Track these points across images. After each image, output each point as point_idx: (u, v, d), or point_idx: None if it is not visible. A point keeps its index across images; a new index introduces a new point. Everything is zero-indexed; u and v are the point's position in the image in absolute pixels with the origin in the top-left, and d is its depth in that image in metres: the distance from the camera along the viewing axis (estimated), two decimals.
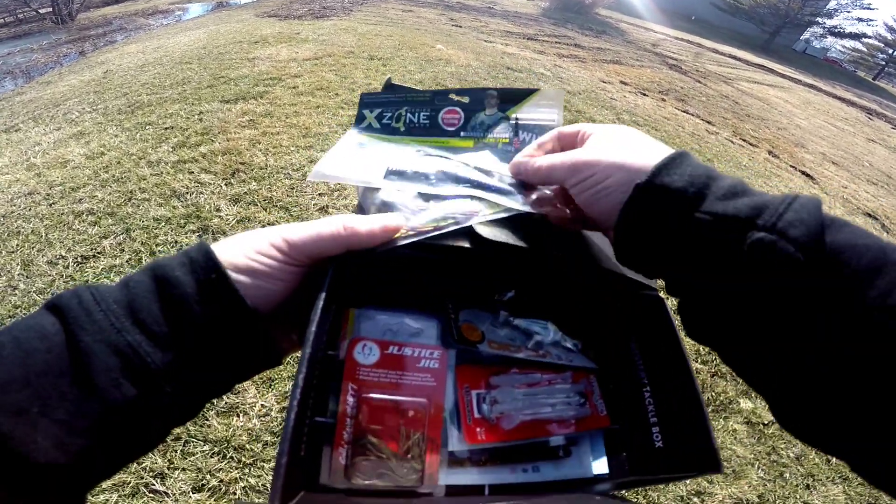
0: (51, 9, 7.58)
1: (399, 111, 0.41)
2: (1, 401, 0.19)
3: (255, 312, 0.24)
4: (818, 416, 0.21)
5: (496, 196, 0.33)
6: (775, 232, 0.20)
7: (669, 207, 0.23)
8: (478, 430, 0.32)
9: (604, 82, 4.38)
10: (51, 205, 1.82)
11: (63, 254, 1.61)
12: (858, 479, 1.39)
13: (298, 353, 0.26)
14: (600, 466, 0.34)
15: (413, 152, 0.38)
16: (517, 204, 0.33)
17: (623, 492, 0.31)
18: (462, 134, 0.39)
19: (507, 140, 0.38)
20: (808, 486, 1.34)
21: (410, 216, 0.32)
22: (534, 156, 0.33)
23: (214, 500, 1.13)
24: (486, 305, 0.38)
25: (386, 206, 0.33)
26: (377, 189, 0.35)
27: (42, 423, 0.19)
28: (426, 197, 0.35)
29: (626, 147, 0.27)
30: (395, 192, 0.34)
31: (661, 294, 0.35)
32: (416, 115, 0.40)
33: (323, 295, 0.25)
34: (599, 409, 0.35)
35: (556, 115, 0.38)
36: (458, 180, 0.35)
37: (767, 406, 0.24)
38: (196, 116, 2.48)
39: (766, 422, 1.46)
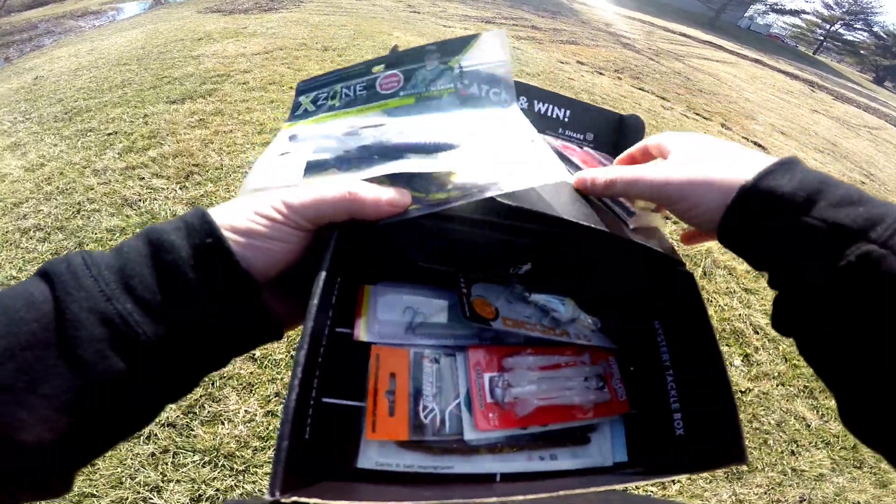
0: None
1: (334, 88, 0.37)
2: None
3: (249, 277, 0.23)
4: (890, 422, 0.21)
5: (425, 159, 0.30)
6: (887, 247, 0.20)
7: (775, 211, 0.23)
8: (490, 415, 0.30)
9: (561, 63, 4.41)
10: None
11: (15, 274, 1.49)
12: (841, 442, 1.42)
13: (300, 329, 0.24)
14: (620, 454, 0.32)
15: (344, 128, 0.34)
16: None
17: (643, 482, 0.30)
18: (402, 94, 0.36)
19: (453, 90, 0.34)
20: (792, 452, 1.37)
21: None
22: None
23: None
24: (501, 279, 0.35)
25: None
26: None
27: (28, 399, 0.18)
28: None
29: (720, 156, 0.26)
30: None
31: (690, 270, 0.33)
32: (352, 88, 0.37)
33: (325, 265, 0.24)
34: (619, 394, 0.33)
35: (503, 55, 0.35)
36: (386, 152, 0.31)
37: (836, 406, 0.24)
38: (141, 119, 2.33)
39: (742, 389, 1.49)
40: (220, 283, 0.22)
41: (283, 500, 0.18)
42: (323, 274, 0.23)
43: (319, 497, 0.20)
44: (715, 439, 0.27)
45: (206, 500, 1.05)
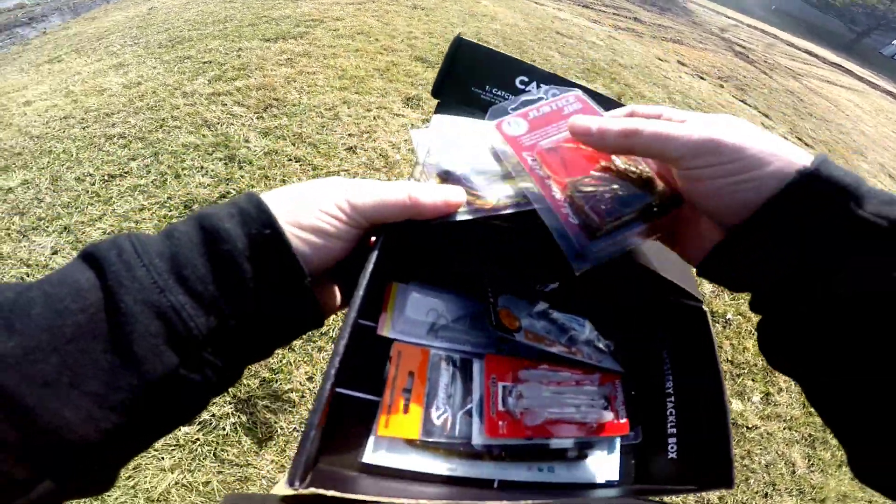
0: None
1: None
2: (27, 370, 0.16)
3: (305, 273, 0.22)
4: None
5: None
6: None
7: (833, 202, 0.20)
8: (500, 423, 0.30)
9: (660, 59, 4.09)
10: (84, 128, 1.86)
11: (91, 172, 1.65)
12: (814, 493, 1.35)
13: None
14: (611, 472, 0.32)
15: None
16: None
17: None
18: None
19: None
20: (766, 495, 1.31)
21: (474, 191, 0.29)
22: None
23: (204, 435, 1.16)
24: (526, 294, 0.36)
25: (448, 176, 0.29)
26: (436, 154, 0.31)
27: (72, 395, 0.17)
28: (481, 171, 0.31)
29: (769, 136, 0.22)
30: (459, 162, 0.31)
31: (705, 307, 0.33)
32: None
33: (373, 259, 0.24)
34: (620, 415, 0.34)
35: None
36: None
37: (846, 456, 0.22)
38: (235, 53, 2.46)
39: (750, 425, 1.42)
40: (276, 277, 0.21)
41: (302, 492, 0.18)
42: (370, 268, 0.23)
43: (324, 487, 0.20)
44: (705, 464, 0.28)
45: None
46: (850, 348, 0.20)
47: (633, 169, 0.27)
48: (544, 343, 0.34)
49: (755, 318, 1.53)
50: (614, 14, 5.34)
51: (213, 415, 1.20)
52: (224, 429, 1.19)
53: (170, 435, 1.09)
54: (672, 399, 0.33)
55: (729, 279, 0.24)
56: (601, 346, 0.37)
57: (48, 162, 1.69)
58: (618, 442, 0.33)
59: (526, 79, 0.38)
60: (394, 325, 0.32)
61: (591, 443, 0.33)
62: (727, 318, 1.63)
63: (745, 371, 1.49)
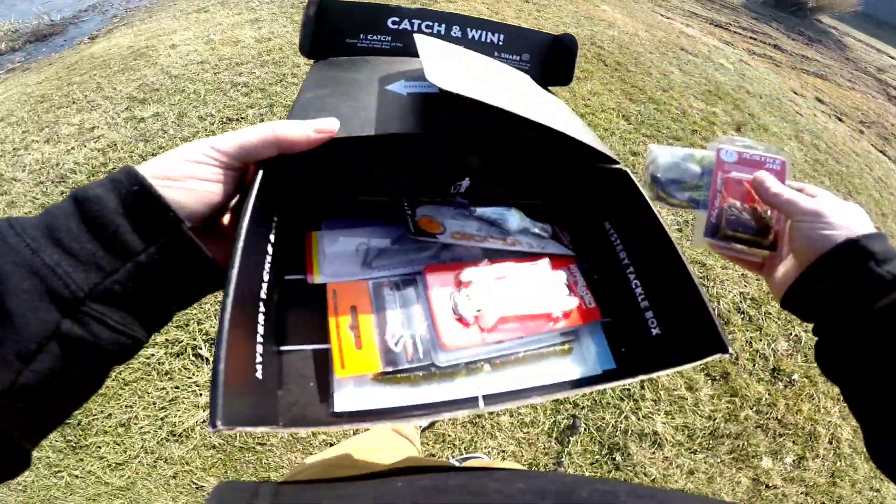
0: None
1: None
2: None
3: (178, 217, 0.22)
4: None
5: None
6: None
7: (860, 260, 0.29)
8: (455, 330, 0.29)
9: (795, 93, 3.63)
10: (215, 73, 2.08)
11: (213, 113, 1.84)
12: None
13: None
14: (607, 363, 0.31)
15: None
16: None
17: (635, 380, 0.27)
18: None
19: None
20: None
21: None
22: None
23: None
24: (444, 199, 0.36)
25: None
26: None
27: None
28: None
29: (853, 211, 0.33)
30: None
31: (625, 167, 0.34)
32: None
33: (253, 193, 0.24)
34: (587, 301, 0.33)
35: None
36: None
37: (863, 438, 0.29)
38: None
39: (770, 484, 1.31)
40: (148, 225, 0.22)
41: (225, 431, 0.18)
42: (251, 200, 0.23)
43: (272, 428, 0.20)
44: (692, 334, 0.27)
45: None
46: (875, 359, 0.28)
47: (765, 216, 0.37)
48: (474, 240, 0.33)
49: (820, 382, 1.41)
50: (751, 38, 4.82)
51: None
52: None
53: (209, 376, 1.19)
54: (632, 270, 0.33)
55: (797, 310, 0.33)
56: (538, 231, 0.36)
57: (179, 100, 1.92)
58: (601, 329, 0.33)
59: (397, 19, 0.40)
60: (322, 270, 0.31)
61: (571, 338, 0.32)
62: (792, 378, 1.51)
63: (790, 432, 1.38)
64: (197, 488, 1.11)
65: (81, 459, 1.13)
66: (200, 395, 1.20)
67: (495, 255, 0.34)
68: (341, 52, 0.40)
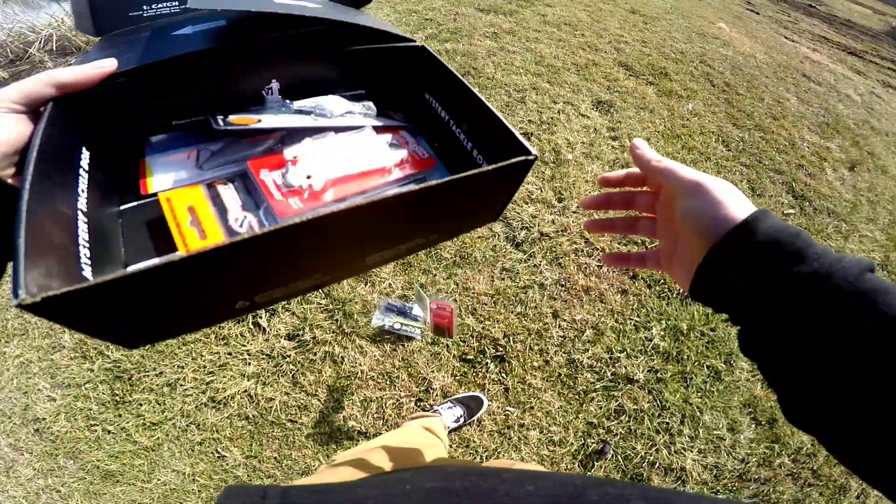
0: None
1: None
2: None
3: None
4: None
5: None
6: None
7: (736, 232, 0.29)
8: (290, 200, 0.31)
9: None
10: None
11: None
12: None
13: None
14: None
15: None
16: None
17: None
18: None
19: None
20: None
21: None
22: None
23: (297, 353, 1.27)
24: (256, 102, 0.37)
25: None
26: None
27: None
28: None
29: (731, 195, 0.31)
30: None
31: (420, 43, 0.39)
32: None
33: (43, 124, 0.25)
34: (420, 154, 0.38)
35: None
36: None
37: (779, 403, 0.29)
38: (452, 15, 2.63)
39: None
40: None
41: (30, 299, 0.17)
42: (40, 127, 0.25)
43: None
44: (505, 151, 0.31)
45: (297, 341, 1.20)
46: (784, 328, 0.26)
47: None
48: (294, 123, 0.35)
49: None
50: (889, 69, 4.24)
51: (315, 337, 1.29)
52: (315, 353, 1.27)
53: (267, 344, 1.24)
54: (454, 123, 0.37)
55: (708, 303, 0.32)
56: (361, 109, 0.39)
57: None
58: (443, 174, 0.37)
59: None
60: (155, 183, 0.32)
61: (420, 182, 0.33)
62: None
63: (821, 483, 1.28)
64: (219, 457, 1.14)
65: (120, 415, 1.17)
66: (249, 364, 1.24)
67: (318, 132, 0.36)
68: (127, 26, 0.38)
